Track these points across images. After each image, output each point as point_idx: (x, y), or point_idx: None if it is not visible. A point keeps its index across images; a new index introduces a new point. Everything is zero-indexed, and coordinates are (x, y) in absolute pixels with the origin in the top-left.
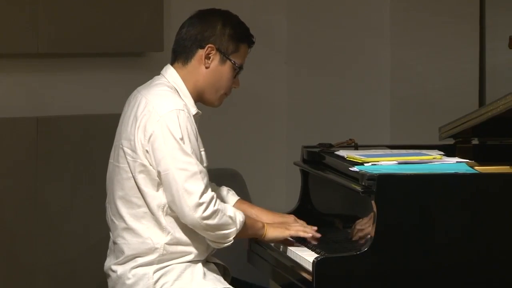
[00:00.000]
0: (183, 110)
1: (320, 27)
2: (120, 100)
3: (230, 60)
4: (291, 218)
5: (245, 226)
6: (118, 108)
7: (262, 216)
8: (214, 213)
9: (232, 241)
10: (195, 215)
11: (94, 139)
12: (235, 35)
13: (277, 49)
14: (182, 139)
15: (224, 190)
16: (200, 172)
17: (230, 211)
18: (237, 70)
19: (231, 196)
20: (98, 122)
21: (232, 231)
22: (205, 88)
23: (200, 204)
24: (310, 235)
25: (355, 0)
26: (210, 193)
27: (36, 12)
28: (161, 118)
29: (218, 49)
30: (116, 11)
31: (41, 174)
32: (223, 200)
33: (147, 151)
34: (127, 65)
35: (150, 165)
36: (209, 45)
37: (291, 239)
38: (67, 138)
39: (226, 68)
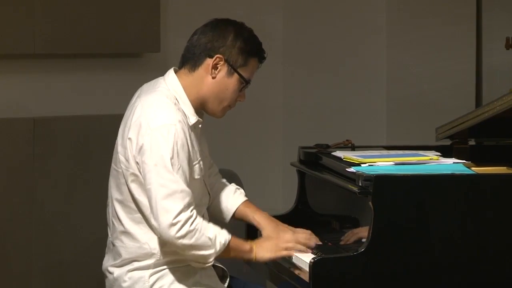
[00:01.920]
0: (175, 125)
1: (316, 28)
2: (117, 101)
3: (238, 73)
4: (294, 230)
5: (227, 248)
6: (115, 109)
7: (263, 224)
8: (190, 232)
9: (212, 263)
10: (170, 233)
11: (91, 140)
12: (245, 48)
13: (273, 49)
14: (168, 155)
15: (232, 188)
16: (181, 191)
17: (211, 232)
18: (243, 84)
19: (238, 196)
20: (94, 123)
21: (210, 253)
22: (208, 98)
23: (174, 224)
24: (303, 248)
25: (351, 1)
26: (188, 213)
27: (33, 13)
28: (152, 132)
29: (226, 61)
30: (112, 12)
31: (37, 175)
32: (227, 198)
33: (137, 162)
34: (124, 66)
35: (141, 176)
36: (218, 55)
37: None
38: (64, 139)
39: (233, 80)
